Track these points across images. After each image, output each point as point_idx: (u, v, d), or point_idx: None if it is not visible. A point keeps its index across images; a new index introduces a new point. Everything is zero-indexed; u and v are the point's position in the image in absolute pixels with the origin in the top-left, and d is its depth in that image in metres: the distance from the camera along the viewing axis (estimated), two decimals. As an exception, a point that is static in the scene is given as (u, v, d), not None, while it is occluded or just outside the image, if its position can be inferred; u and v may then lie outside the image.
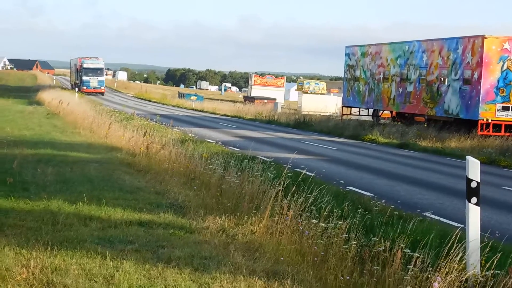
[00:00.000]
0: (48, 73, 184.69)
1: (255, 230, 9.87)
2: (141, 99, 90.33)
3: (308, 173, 13.42)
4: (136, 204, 11.72)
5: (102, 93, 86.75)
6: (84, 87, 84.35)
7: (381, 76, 41.91)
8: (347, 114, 48.05)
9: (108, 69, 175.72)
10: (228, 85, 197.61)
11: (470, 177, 7.50)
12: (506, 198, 16.46)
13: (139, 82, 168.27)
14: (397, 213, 11.92)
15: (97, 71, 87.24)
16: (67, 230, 9.53)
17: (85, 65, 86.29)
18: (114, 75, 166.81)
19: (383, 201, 13.63)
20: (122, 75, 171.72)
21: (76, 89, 77.90)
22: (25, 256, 7.97)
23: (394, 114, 41.96)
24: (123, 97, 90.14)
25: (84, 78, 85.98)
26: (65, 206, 11.14)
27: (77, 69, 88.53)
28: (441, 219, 12.81)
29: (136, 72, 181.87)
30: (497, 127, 31.67)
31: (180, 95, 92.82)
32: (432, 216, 12.86)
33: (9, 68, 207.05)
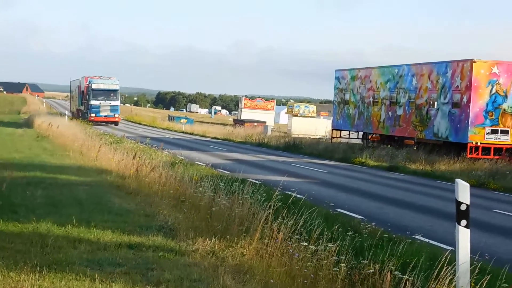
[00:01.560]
0: (38, 96, 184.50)
1: (245, 253, 9.85)
2: (131, 122, 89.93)
3: (298, 195, 13.42)
4: (125, 226, 11.68)
5: (116, 123, 68.16)
6: (93, 115, 66.46)
7: (371, 99, 42.07)
8: (337, 137, 48.16)
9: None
10: (218, 108, 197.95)
11: (459, 199, 7.52)
12: (495, 221, 16.50)
13: (129, 105, 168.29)
14: (386, 235, 11.93)
15: (109, 94, 67.72)
16: (56, 253, 9.48)
17: (94, 86, 67.06)
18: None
19: (373, 223, 13.63)
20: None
21: (80, 117, 65.78)
22: (14, 279, 7.92)
23: (379, 138, 42.11)
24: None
25: (93, 102, 67.03)
26: (54, 228, 11.09)
27: (82, 91, 70.90)
28: (431, 241, 12.82)
29: (126, 95, 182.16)
30: (486, 150, 31.82)
31: (170, 118, 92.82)
32: (422, 238, 12.88)
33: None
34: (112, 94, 67.66)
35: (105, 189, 16.61)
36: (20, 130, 45.72)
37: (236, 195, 12.84)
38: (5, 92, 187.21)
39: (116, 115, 67.98)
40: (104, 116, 66.77)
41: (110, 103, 67.19)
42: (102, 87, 67.29)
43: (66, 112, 77.04)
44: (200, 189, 14.49)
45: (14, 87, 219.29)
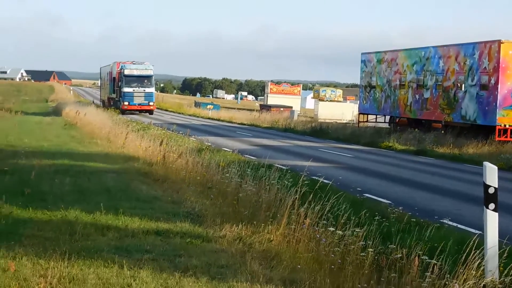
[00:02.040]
0: (65, 83, 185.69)
1: (272, 238, 9.86)
2: (158, 108, 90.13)
3: (325, 181, 13.43)
4: (153, 213, 11.75)
5: (151, 112, 63.20)
6: (126, 103, 61.65)
7: (398, 82, 41.81)
8: (363, 121, 47.95)
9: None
10: (244, 93, 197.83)
11: (487, 183, 7.47)
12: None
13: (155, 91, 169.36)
14: (414, 220, 11.89)
15: (143, 80, 62.83)
16: (84, 240, 9.56)
17: (126, 72, 62.03)
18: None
19: (400, 208, 13.59)
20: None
21: (112, 106, 61.60)
22: (43, 266, 8.00)
23: (406, 121, 41.85)
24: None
25: (126, 90, 61.91)
26: (82, 216, 11.18)
27: (114, 78, 65.65)
28: (459, 225, 12.75)
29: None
30: (514, 132, 31.50)
31: (197, 104, 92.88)
32: (450, 222, 12.81)
33: (26, 79, 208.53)
34: (146, 81, 62.69)
35: (132, 176, 16.70)
36: (48, 118, 46.07)
37: (262, 181, 12.86)
38: (32, 81, 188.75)
39: (151, 103, 62.79)
40: (138, 105, 61.85)
41: (144, 90, 62.16)
42: (135, 72, 62.16)
43: (94, 100, 76.72)
44: (227, 175, 14.53)
45: (42, 75, 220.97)
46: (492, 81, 31.86)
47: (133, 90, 61.71)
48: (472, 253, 7.36)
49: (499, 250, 7.52)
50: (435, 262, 7.66)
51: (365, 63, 46.64)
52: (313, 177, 16.07)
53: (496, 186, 7.46)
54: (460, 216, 13.99)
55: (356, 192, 16.09)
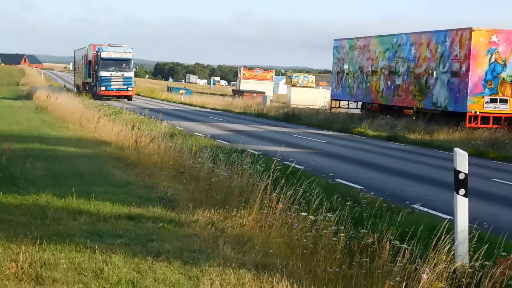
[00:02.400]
0: (36, 67, 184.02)
1: (244, 223, 9.89)
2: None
3: (297, 166, 13.43)
4: (125, 198, 11.72)
5: (130, 98, 60.28)
6: (103, 88, 58.21)
7: (370, 69, 41.96)
8: (336, 107, 48.11)
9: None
10: (217, 79, 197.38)
11: (458, 168, 7.53)
12: (494, 190, 16.55)
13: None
14: (386, 205, 11.95)
15: (121, 64, 59.23)
16: (56, 225, 9.52)
17: (103, 55, 58.54)
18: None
19: (372, 193, 13.66)
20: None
21: (88, 92, 57.38)
22: (14, 251, 7.95)
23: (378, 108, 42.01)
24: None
25: (103, 74, 58.41)
26: (54, 200, 11.13)
27: (89, 61, 62.08)
28: (430, 211, 12.87)
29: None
30: (485, 119, 31.78)
31: (169, 89, 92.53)
32: (421, 208, 12.93)
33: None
34: (124, 64, 58.91)
35: (104, 160, 16.63)
36: (19, 102, 45.67)
37: (235, 166, 12.87)
38: (3, 64, 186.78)
39: (130, 89, 59.25)
40: (116, 90, 58.40)
41: (122, 75, 58.66)
42: (113, 55, 58.52)
43: (65, 85, 75.78)
44: (199, 160, 14.51)
45: (12, 59, 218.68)
46: (463, 68, 32.10)
47: (111, 74, 58.21)
48: (442, 238, 7.43)
49: (469, 235, 7.60)
50: (406, 247, 7.72)
51: (338, 50, 46.73)
52: (286, 162, 16.07)
53: (467, 172, 7.53)
54: (431, 202, 14.11)
55: (328, 178, 16.16)
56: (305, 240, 8.62)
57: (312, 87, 78.38)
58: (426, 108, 35.62)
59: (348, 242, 8.54)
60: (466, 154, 7.59)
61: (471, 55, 31.51)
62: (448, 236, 7.59)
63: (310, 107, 58.75)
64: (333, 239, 8.43)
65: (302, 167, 13.69)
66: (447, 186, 15.10)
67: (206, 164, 13.86)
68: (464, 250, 7.51)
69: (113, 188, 12.68)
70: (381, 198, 12.97)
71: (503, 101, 31.86)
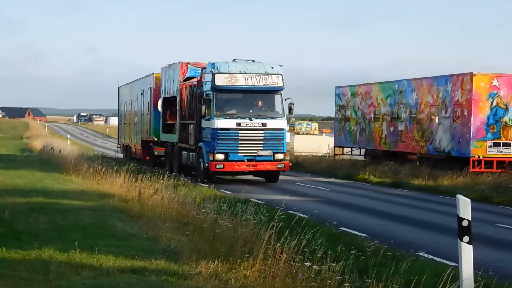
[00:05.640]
0: (40, 120, 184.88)
1: (248, 275, 9.81)
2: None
3: (301, 215, 13.42)
4: (128, 251, 11.65)
5: (276, 176, 30.77)
6: (219, 157, 28.25)
7: (372, 115, 42.06)
8: (339, 154, 48.11)
9: (99, 114, 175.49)
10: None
11: (461, 215, 7.52)
12: (500, 235, 16.45)
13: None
14: (390, 253, 11.90)
15: (261, 100, 29.50)
16: (58, 279, 9.45)
17: (221, 79, 28.32)
18: (106, 121, 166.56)
19: (377, 241, 13.60)
20: (114, 121, 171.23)
21: (169, 166, 33.84)
22: (17, 307, 7.89)
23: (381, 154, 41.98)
24: (115, 143, 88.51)
25: (219, 123, 28.21)
26: (56, 254, 11.07)
27: (167, 100, 35.22)
28: (435, 258, 12.78)
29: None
30: (488, 163, 31.75)
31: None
32: (426, 255, 12.84)
33: (1, 116, 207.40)
34: (268, 102, 29.53)
35: (107, 213, 16.58)
36: (23, 155, 45.74)
37: (239, 216, 12.84)
38: (7, 118, 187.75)
39: (280, 155, 28.95)
40: (249, 160, 28.58)
41: (265, 125, 28.61)
42: (244, 81, 28.53)
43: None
44: (203, 211, 14.49)
45: (16, 112, 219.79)
46: (465, 113, 32.16)
47: (239, 124, 28.32)
48: (447, 287, 7.37)
49: (474, 282, 7.54)
50: (412, 295, 7.67)
51: (340, 97, 46.91)
52: (290, 211, 16.08)
53: (470, 219, 7.50)
54: (437, 248, 14.03)
55: (333, 226, 16.10)
56: (309, 291, 8.55)
57: (316, 134, 78.59)
58: (429, 153, 35.61)
59: (353, 292, 8.48)
60: (469, 201, 7.58)
61: (473, 99, 31.60)
62: (454, 284, 7.54)
63: (314, 154, 58.77)
64: (338, 289, 8.37)
65: (306, 216, 13.68)
66: (451, 233, 15.03)
67: (210, 215, 13.84)
68: (470, 298, 7.44)
69: (116, 241, 12.62)
70: (385, 246, 12.89)
71: (506, 145, 31.86)
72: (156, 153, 36.85)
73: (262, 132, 28.57)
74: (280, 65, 29.08)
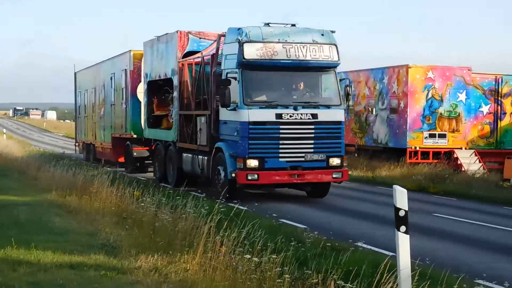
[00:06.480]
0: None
1: (188, 268, 9.80)
2: (72, 138, 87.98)
3: (240, 207, 13.44)
4: (66, 246, 11.50)
5: (326, 189, 21.83)
6: (251, 163, 19.43)
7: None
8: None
9: (36, 108, 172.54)
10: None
11: (398, 206, 7.63)
12: (435, 225, 16.75)
13: (69, 121, 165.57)
14: (330, 244, 12.02)
15: (315, 80, 20.96)
16: (-5, 276, 9.29)
17: (253, 51, 19.59)
18: (43, 115, 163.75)
19: (316, 232, 13.72)
20: (51, 115, 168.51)
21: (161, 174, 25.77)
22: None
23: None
24: (52, 137, 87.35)
25: (251, 115, 19.42)
26: (-8, 251, 10.87)
27: (153, 83, 26.75)
28: (373, 248, 12.95)
29: (66, 111, 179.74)
30: (425, 154, 32.28)
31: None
32: (365, 245, 13.01)
33: None
34: (316, 82, 21.19)
35: (45, 208, 16.33)
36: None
37: (179, 210, 12.81)
38: None
39: (337, 160, 20.52)
40: (293, 167, 19.98)
41: (314, 117, 20.08)
42: (285, 55, 19.85)
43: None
44: (142, 204, 14.41)
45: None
46: (402, 105, 32.62)
47: (282, 116, 19.73)
48: (385, 276, 7.48)
49: (411, 271, 7.66)
50: (351, 286, 7.76)
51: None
52: (230, 204, 16.10)
53: (406, 209, 7.62)
54: (375, 239, 14.21)
55: (272, 218, 16.16)
56: (249, 283, 8.58)
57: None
58: (367, 144, 36.04)
59: (293, 283, 8.54)
60: (405, 191, 7.69)
61: (409, 91, 32.06)
62: (391, 273, 7.65)
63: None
64: (278, 280, 8.42)
65: (245, 208, 13.72)
66: (390, 223, 15.26)
67: (149, 209, 13.77)
68: (408, 287, 7.56)
69: (54, 237, 12.44)
70: (325, 238, 13.02)
71: (442, 136, 32.42)
72: (135, 154, 28.90)
73: (312, 126, 19.96)
74: (332, 32, 20.71)
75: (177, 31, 24.13)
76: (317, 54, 20.15)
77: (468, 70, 32.44)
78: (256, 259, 9.11)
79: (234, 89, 19.65)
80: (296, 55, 19.85)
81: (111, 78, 32.78)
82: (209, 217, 11.07)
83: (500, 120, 33.02)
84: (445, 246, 13.74)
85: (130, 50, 29.99)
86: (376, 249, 12.82)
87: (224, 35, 21.10)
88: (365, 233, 14.99)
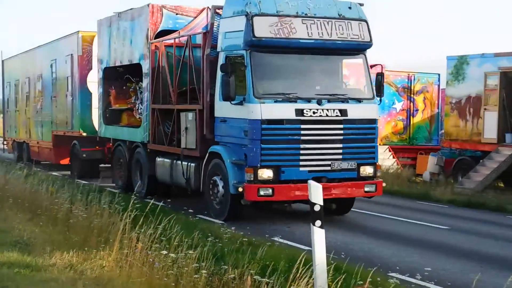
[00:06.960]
0: None
1: (104, 265, 9.71)
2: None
3: (156, 203, 13.37)
4: (-23, 244, 11.23)
5: (349, 204, 17.19)
6: (264, 174, 14.85)
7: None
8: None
9: None
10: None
11: (313, 200, 7.72)
12: (350, 219, 16.99)
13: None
14: (246, 239, 12.08)
15: (333, 65, 16.32)
16: None
17: (258, 30, 14.91)
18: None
19: (233, 228, 13.77)
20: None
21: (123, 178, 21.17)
22: None
23: None
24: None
25: (265, 111, 14.76)
26: None
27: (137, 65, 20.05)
28: (290, 243, 13.07)
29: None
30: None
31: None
32: (281, 240, 13.11)
33: None
34: (340, 68, 16.49)
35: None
36: None
37: (94, 206, 12.69)
38: None
39: (370, 169, 15.83)
40: (323, 180, 15.00)
41: (343, 113, 15.44)
42: (305, 33, 15.33)
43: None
44: (57, 200, 14.19)
45: None
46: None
47: (303, 112, 15.04)
48: (300, 271, 7.58)
49: (327, 265, 7.78)
50: (267, 280, 7.83)
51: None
52: (146, 200, 15.99)
53: (322, 204, 7.72)
54: (290, 234, 14.33)
55: (189, 214, 16.11)
56: (166, 279, 8.56)
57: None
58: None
59: (210, 278, 8.56)
60: (320, 186, 7.79)
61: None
62: (307, 267, 7.76)
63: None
64: (195, 276, 8.43)
65: (161, 204, 13.67)
66: (306, 217, 15.45)
67: (64, 205, 13.58)
68: (323, 281, 7.67)
69: (-35, 235, 12.14)
70: (242, 233, 13.08)
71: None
72: (84, 155, 25.02)
73: (341, 126, 15.50)
74: (360, 4, 16.23)
75: (148, 5, 19.26)
76: (345, 33, 15.63)
77: (381, 67, 32.99)
78: (173, 255, 9.10)
79: (236, 78, 15.05)
80: (319, 34, 15.36)
81: (51, 66, 27.90)
82: (125, 213, 10.99)
83: (413, 117, 33.74)
84: (359, 241, 13.97)
85: (78, 31, 25.20)
86: (293, 244, 12.95)
87: (219, 7, 16.48)
88: (281, 228, 15.09)
